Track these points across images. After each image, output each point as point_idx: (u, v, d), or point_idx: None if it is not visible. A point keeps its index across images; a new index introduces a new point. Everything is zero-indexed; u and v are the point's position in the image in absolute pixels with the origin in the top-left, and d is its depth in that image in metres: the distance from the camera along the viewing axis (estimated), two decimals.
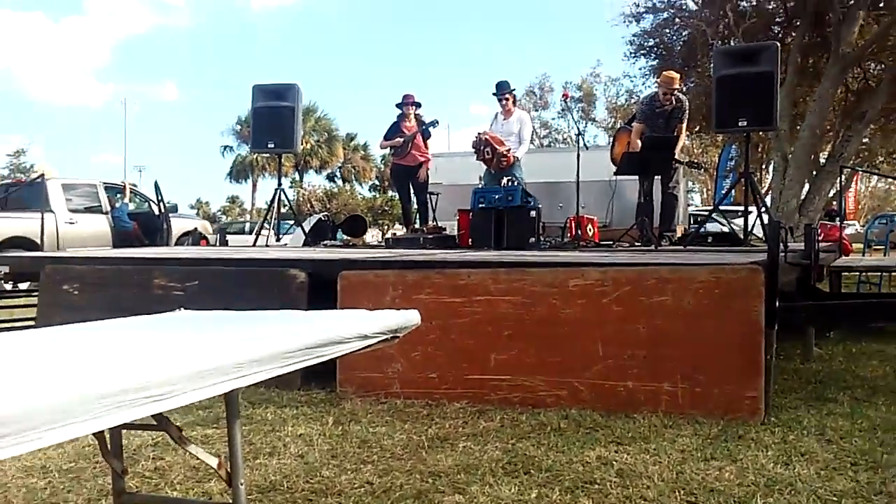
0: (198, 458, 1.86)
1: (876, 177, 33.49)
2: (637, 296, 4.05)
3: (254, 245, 9.57)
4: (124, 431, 2.23)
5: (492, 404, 4.04)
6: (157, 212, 11.42)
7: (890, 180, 35.29)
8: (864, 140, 16.77)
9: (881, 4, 14.20)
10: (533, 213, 7.67)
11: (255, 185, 47.35)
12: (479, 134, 8.76)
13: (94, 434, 1.50)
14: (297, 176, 46.28)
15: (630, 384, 3.94)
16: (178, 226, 12.41)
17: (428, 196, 9.69)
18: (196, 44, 78.76)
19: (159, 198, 10.76)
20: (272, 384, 4.42)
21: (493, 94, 9.12)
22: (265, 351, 1.68)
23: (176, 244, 11.35)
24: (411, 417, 3.86)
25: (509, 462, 3.09)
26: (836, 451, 3.20)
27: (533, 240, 7.51)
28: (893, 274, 8.82)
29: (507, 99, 9.02)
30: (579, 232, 8.00)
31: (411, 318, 2.21)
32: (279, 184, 9.76)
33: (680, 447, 3.27)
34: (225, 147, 48.12)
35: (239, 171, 47.50)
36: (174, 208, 12.76)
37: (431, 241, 8.08)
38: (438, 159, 11.37)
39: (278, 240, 9.99)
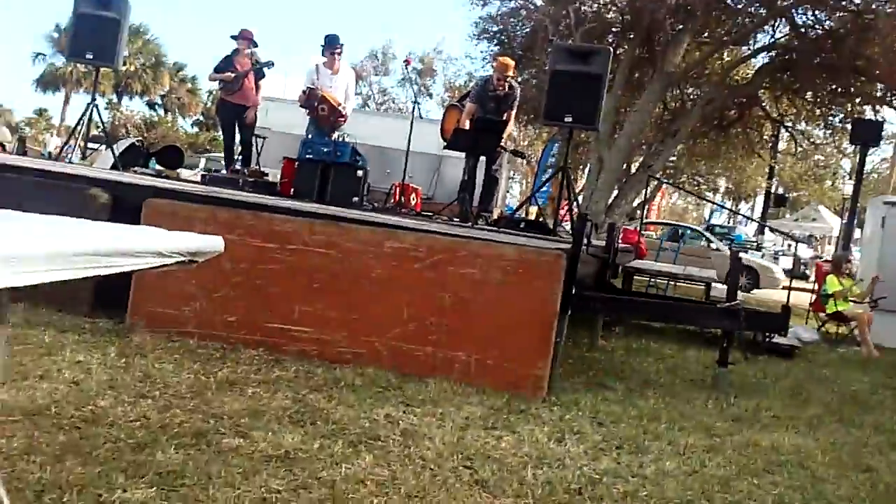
0: None
1: (676, 194, 36.39)
2: (447, 265, 4.14)
3: (56, 158, 8.80)
4: None
5: (289, 355, 3.98)
6: None
7: (689, 199, 38.54)
8: (673, 158, 18.15)
9: (705, 35, 15.34)
10: (360, 173, 7.60)
11: (67, 99, 43.49)
12: (310, 89, 8.52)
13: None
14: (115, 98, 43.04)
15: (428, 350, 4.03)
16: None
17: (254, 139, 9.33)
18: None
19: None
20: (56, 304, 4.10)
21: (322, 45, 8.85)
22: (46, 248, 1.50)
23: None
24: (202, 359, 3.73)
25: (297, 412, 3.06)
26: (606, 433, 3.45)
27: (356, 199, 7.45)
28: (679, 283, 9.64)
29: (338, 54, 8.81)
30: (403, 199, 8.04)
31: (214, 243, 2.09)
32: (93, 99, 8.99)
33: (465, 414, 3.39)
34: (38, 54, 43.70)
35: (49, 82, 43.32)
36: None
37: (252, 185, 7.79)
38: (270, 104, 10.96)
39: (84, 158, 9.24)
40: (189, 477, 2.30)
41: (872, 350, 7.92)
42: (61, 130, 33.76)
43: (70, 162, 8.36)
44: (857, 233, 13.86)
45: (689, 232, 18.94)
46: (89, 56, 8.63)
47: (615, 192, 14.78)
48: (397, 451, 2.79)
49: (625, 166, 15.66)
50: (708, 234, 18.47)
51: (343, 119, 8.50)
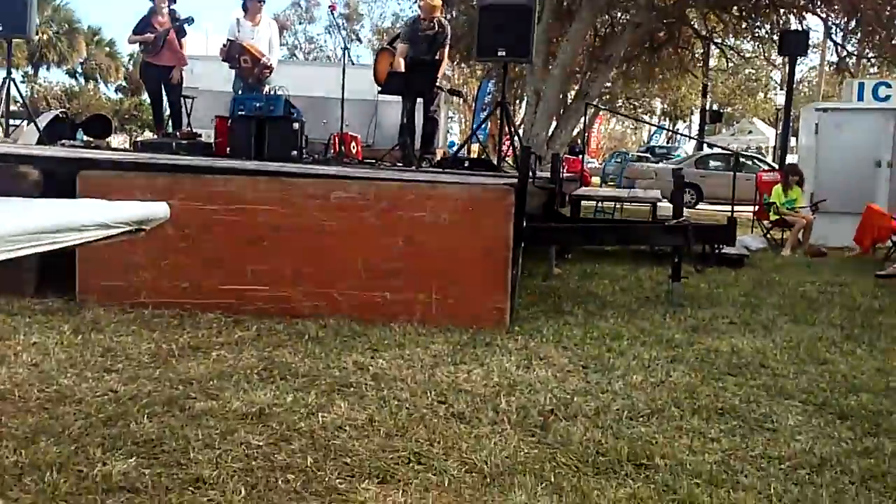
0: None
1: (614, 120, 36.71)
2: (397, 210, 4.11)
3: None
4: None
5: (248, 314, 3.94)
6: None
7: (626, 124, 38.89)
8: (608, 84, 18.20)
9: None
10: (296, 126, 7.45)
11: None
12: (230, 41, 8.25)
13: None
14: (31, 70, 41.22)
15: (387, 295, 4.03)
16: None
17: (182, 100, 9.04)
18: None
19: None
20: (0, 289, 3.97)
21: None
22: None
23: None
24: (161, 327, 3.67)
25: (265, 369, 3.05)
26: (571, 356, 3.52)
27: (295, 153, 7.31)
28: (625, 205, 9.78)
29: (259, 4, 8.55)
30: (343, 149, 7.93)
31: (158, 210, 2.04)
32: (8, 73, 8.59)
33: (432, 353, 3.42)
34: None
35: None
36: None
37: (185, 147, 7.58)
38: (196, 62, 10.61)
39: (7, 136, 8.86)
40: (167, 443, 2.28)
41: (809, 249, 8.32)
42: None
43: None
44: (792, 141, 14.16)
45: (629, 155, 19.20)
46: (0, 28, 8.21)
47: (554, 123, 14.81)
48: (371, 395, 2.80)
49: (561, 96, 15.66)
50: (648, 156, 18.76)
51: (269, 70, 8.28)
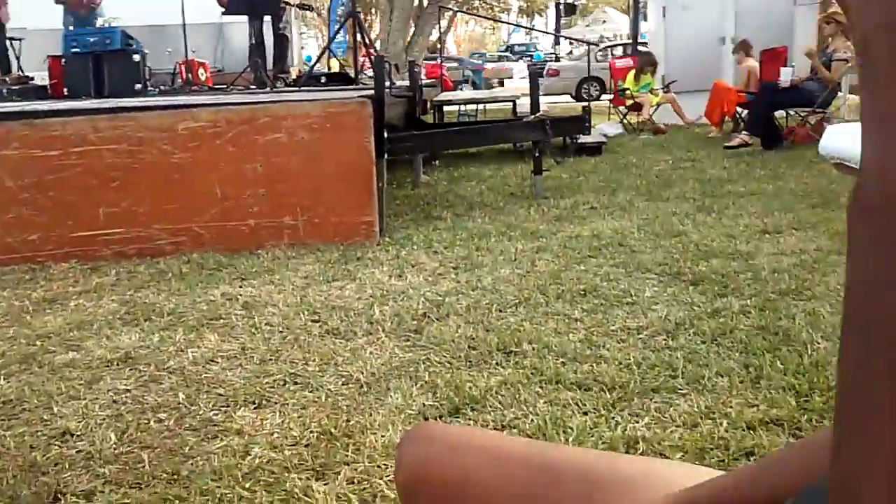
0: None
1: (473, 21, 36.44)
2: (252, 135, 3.98)
3: None
4: None
5: (105, 260, 3.77)
6: None
7: (485, 25, 38.69)
8: None
9: None
10: (137, 58, 7.04)
11: None
12: None
13: None
14: None
15: (252, 222, 3.94)
16: None
17: (9, 42, 8.33)
18: None
19: None
20: None
21: None
22: None
23: None
24: (11, 284, 3.46)
25: (128, 312, 2.94)
26: (442, 259, 3.57)
27: (139, 86, 6.93)
28: (487, 105, 9.84)
29: None
30: (190, 76, 7.56)
31: None
32: None
33: (303, 274, 3.39)
34: None
35: None
36: None
37: (18, 92, 7.04)
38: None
39: None
40: (28, 401, 2.18)
41: (691, 119, 8.84)
42: None
43: None
44: (643, 26, 14.48)
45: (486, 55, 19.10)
46: None
47: (412, 30, 14.58)
48: (242, 325, 2.76)
49: (416, 2, 15.38)
50: (508, 55, 18.78)
51: (97, 1, 7.73)
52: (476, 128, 6.66)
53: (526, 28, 33.37)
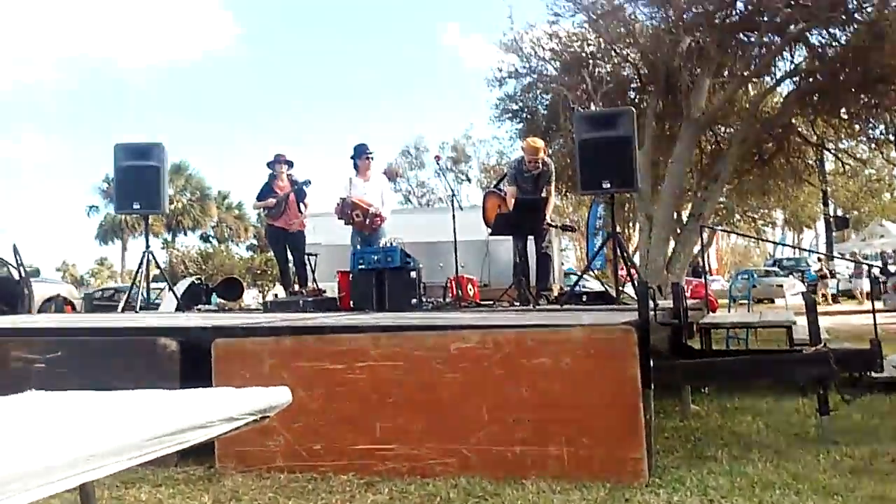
0: None
1: (735, 235, 35.77)
2: (518, 358, 4.06)
3: (121, 311, 9.07)
4: None
5: (379, 475, 3.91)
6: (16, 277, 10.65)
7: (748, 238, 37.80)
8: (722, 199, 17.88)
9: (725, 73, 15.33)
10: (413, 274, 7.68)
11: (125, 246, 45.50)
12: (342, 199, 8.73)
13: None
14: (169, 236, 44.69)
15: (517, 449, 3.92)
16: (40, 291, 11.57)
17: (306, 257, 9.52)
18: (62, 100, 75.15)
19: (18, 261, 10.06)
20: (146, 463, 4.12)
21: (352, 157, 9.11)
22: (119, 439, 1.57)
23: (39, 311, 10.59)
24: (296, 493, 3.69)
25: None
26: None
27: (415, 301, 7.49)
28: (758, 329, 9.32)
29: (369, 159, 9.06)
30: (460, 292, 8.05)
31: (281, 396, 2.10)
32: (147, 246, 9.33)
33: None
34: (91, 206, 46.13)
35: (107, 232, 45.53)
36: (36, 272, 11.97)
37: (311, 304, 7.91)
38: (316, 219, 11.23)
39: (149, 304, 9.51)
40: None
41: None
42: (124, 276, 35.03)
43: (135, 310, 8.59)
44: None
45: (755, 274, 18.41)
46: (136, 206, 9.00)
47: (672, 245, 14.58)
48: None
49: (675, 216, 15.45)
50: (776, 269, 18.00)
51: (380, 219, 8.68)
52: (750, 359, 6.27)
53: (791, 247, 32.03)
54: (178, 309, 8.82)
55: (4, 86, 70.09)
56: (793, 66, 14.89)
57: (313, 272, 9.48)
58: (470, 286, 8.52)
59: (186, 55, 77.86)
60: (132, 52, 78.56)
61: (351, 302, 7.69)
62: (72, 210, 79.62)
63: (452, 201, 8.79)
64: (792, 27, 13.57)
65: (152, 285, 10.97)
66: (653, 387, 4.12)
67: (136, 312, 8.39)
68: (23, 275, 9.96)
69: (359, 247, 8.67)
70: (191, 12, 71.66)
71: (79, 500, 1.71)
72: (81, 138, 73.97)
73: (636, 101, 15.95)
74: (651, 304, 5.55)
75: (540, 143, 8.57)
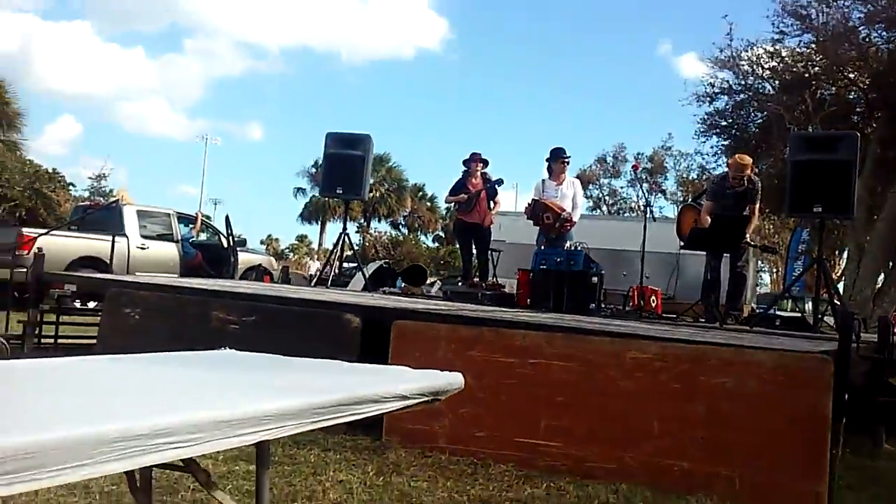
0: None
1: None
2: (697, 375, 3.90)
3: (313, 285, 9.67)
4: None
5: (538, 470, 3.91)
6: (225, 244, 11.66)
7: None
8: None
9: None
10: (595, 279, 7.56)
11: (323, 226, 48.50)
12: (534, 200, 8.73)
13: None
14: (364, 221, 47.03)
15: (685, 465, 3.77)
16: (245, 259, 12.57)
17: (490, 253, 9.65)
18: (285, 90, 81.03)
19: (229, 231, 11.01)
20: None
21: (547, 159, 9.08)
22: (299, 404, 1.67)
23: (241, 277, 11.53)
24: (455, 475, 3.76)
25: None
26: None
27: (593, 306, 7.38)
28: None
29: (565, 163, 8.99)
30: (642, 302, 7.84)
31: (454, 381, 2.15)
32: (344, 229, 9.88)
33: None
34: (298, 189, 49.56)
35: (311, 212, 48.77)
36: (243, 242, 12.99)
37: (489, 297, 8.02)
38: (502, 218, 11.36)
39: (340, 279, 10.07)
40: None
41: None
42: (320, 254, 37.25)
43: (327, 286, 9.11)
44: None
45: None
46: (339, 191, 9.57)
47: (881, 279, 13.38)
48: None
49: (890, 248, 14.15)
50: None
51: (570, 224, 8.60)
52: None
53: None
54: (364, 288, 9.26)
55: (236, 72, 76.73)
56: None
57: (495, 267, 9.59)
58: (653, 297, 8.27)
59: (400, 53, 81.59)
60: (353, 47, 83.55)
61: (528, 300, 7.71)
62: (281, 190, 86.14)
63: (646, 210, 8.57)
64: None
65: (345, 265, 11.61)
66: (844, 421, 3.82)
67: (327, 288, 8.91)
68: (231, 244, 10.88)
69: (543, 247, 8.67)
70: (408, 16, 74.96)
71: (255, 453, 1.83)
72: (296, 125, 79.48)
73: (859, 125, 14.80)
74: (854, 335, 5.13)
75: (748, 159, 8.15)
